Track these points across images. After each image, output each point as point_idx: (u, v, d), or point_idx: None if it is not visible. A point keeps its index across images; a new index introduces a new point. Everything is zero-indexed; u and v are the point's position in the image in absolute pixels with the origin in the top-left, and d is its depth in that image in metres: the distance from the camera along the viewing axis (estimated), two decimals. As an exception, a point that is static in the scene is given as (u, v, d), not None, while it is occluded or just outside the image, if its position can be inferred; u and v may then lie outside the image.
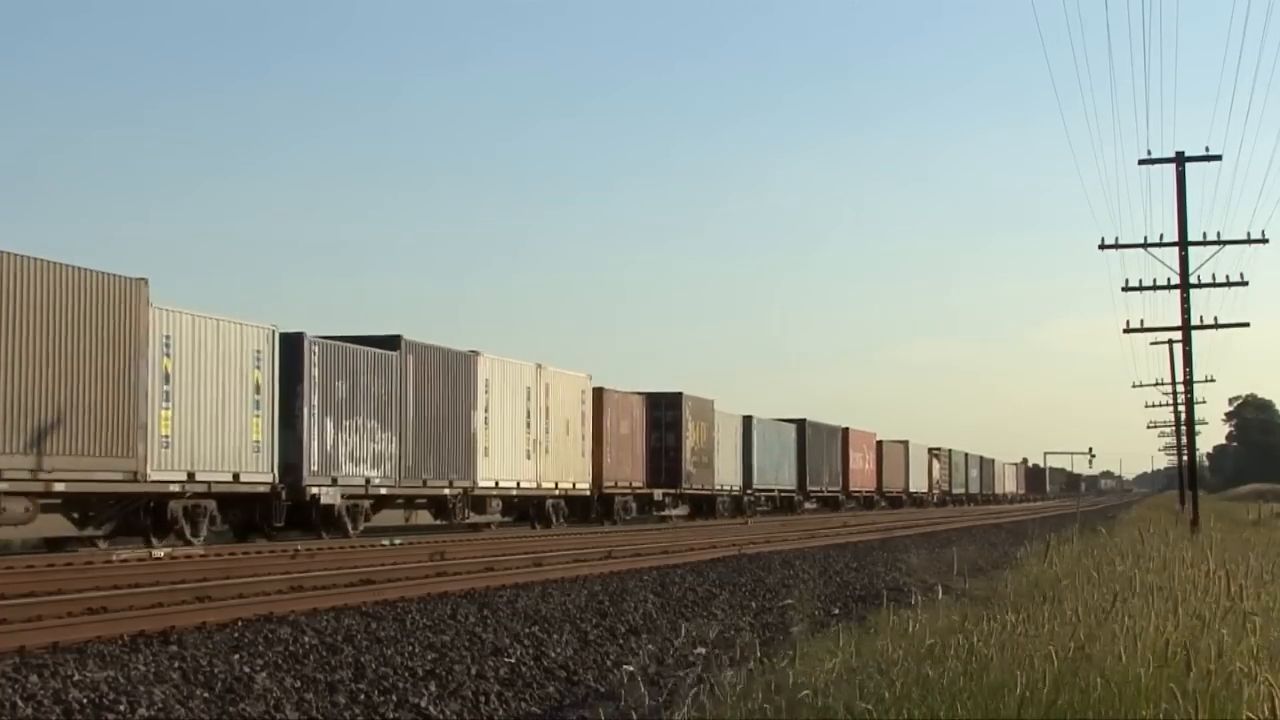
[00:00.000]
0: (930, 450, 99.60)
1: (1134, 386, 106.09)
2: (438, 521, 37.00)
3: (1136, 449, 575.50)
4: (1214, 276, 35.10)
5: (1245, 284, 35.27)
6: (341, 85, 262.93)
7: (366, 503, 33.67)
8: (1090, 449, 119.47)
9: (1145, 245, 34.52)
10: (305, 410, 30.73)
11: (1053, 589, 12.89)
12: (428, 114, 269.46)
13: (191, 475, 27.18)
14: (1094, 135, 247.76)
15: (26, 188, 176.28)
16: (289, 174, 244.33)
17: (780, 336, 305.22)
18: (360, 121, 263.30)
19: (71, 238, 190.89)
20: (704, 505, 55.73)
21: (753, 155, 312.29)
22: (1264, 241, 34.63)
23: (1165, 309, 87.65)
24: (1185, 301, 34.51)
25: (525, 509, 41.89)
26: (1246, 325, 37.93)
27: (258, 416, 29.19)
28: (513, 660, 11.78)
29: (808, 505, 69.16)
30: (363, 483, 32.99)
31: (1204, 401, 74.93)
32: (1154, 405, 74.44)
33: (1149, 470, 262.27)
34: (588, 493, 45.31)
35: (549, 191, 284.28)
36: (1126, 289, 36.45)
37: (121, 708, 9.13)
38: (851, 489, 77.34)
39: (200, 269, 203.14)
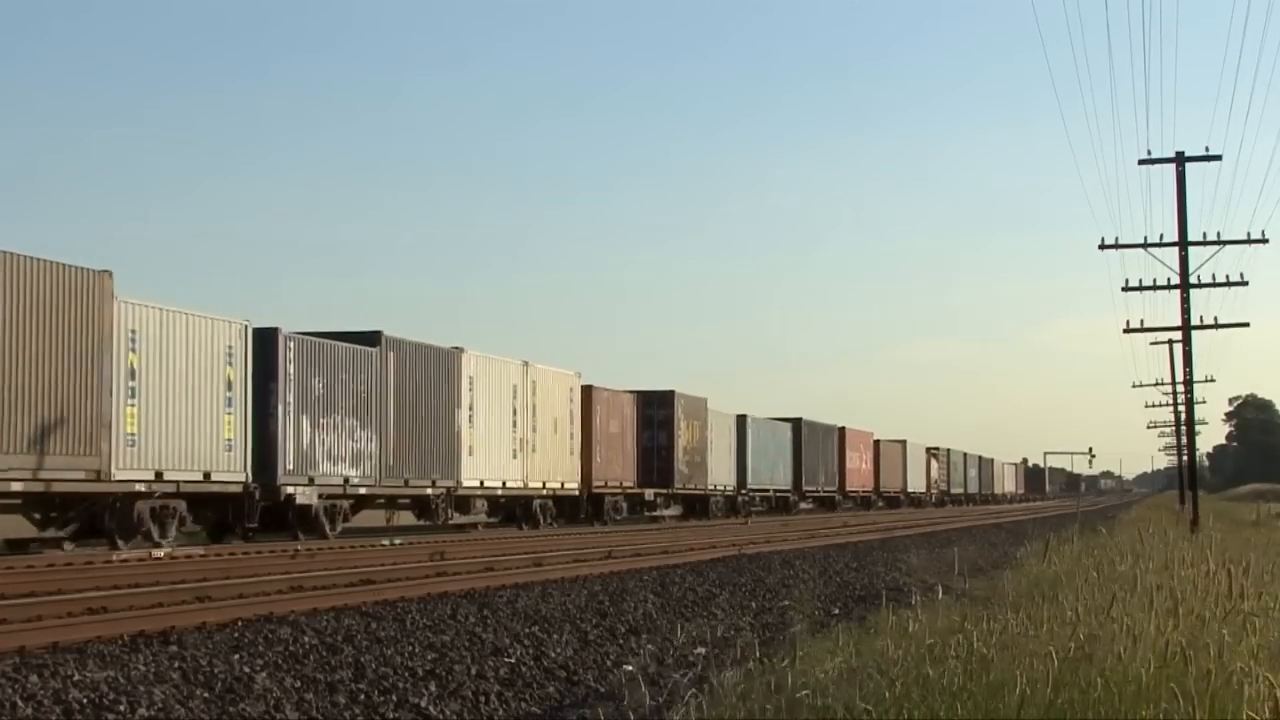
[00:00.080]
0: (928, 450, 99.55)
1: (1134, 386, 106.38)
2: (421, 522, 36.22)
3: (1136, 449, 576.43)
4: (1214, 276, 35.14)
5: (1245, 284, 35.30)
6: (341, 85, 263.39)
7: (345, 503, 32.91)
8: (1090, 449, 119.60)
9: (1145, 245, 34.53)
10: (280, 407, 30.00)
11: (1053, 589, 12.90)
12: (428, 114, 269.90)
13: (159, 474, 26.41)
14: (1094, 135, 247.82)
15: (26, 188, 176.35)
16: (289, 174, 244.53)
17: (780, 336, 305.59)
18: (360, 121, 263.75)
19: (71, 238, 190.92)
20: (697, 505, 55.23)
21: (753, 155, 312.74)
22: (1264, 241, 34.65)
23: (1165, 309, 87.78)
24: (1185, 301, 34.52)
25: (512, 509, 41.11)
26: (1246, 325, 37.97)
27: (230, 414, 28.50)
28: (513, 660, 11.78)
29: (803, 505, 68.85)
30: (341, 482, 32.26)
31: (1204, 401, 75.04)
32: (1154, 405, 74.52)
33: (1149, 470, 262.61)
34: (577, 493, 44.68)
35: (549, 191, 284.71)
36: (1126, 289, 36.48)
37: (121, 708, 9.13)
38: (848, 489, 77.16)
39: (200, 269, 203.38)
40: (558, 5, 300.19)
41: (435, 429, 36.36)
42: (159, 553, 24.73)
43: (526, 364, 41.76)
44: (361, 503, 33.99)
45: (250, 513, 29.05)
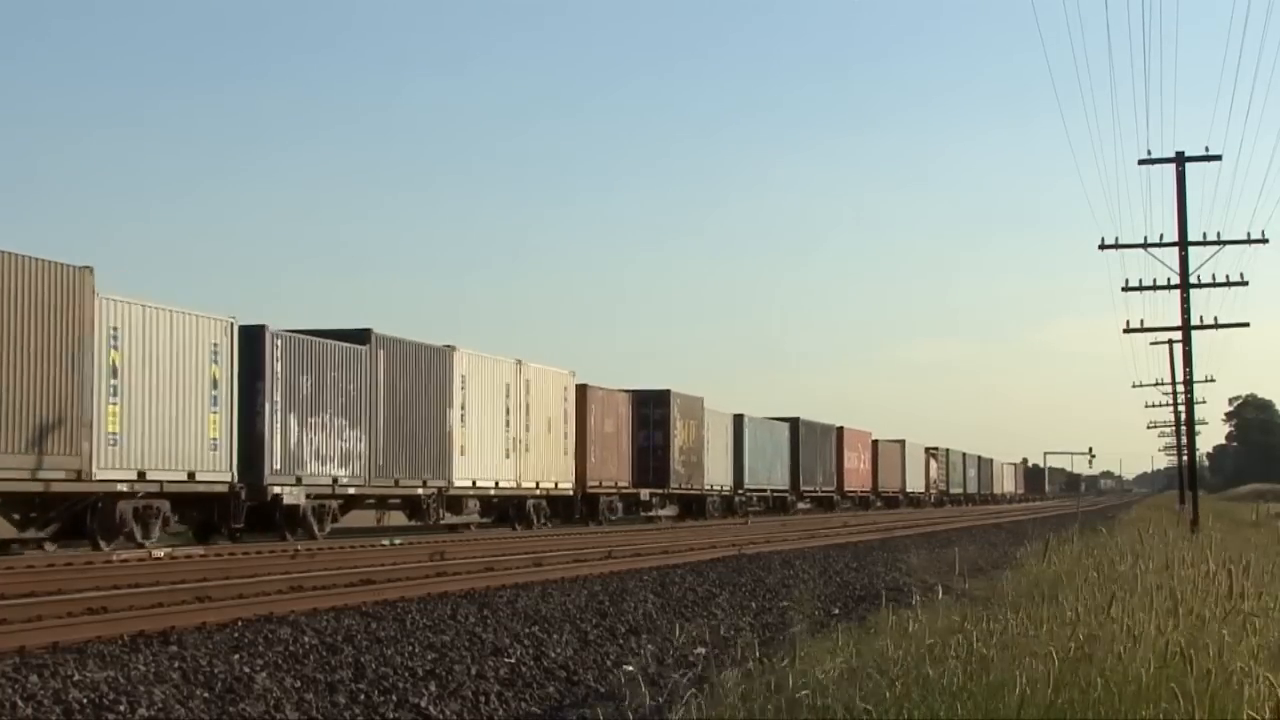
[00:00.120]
0: (927, 450, 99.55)
1: (1134, 386, 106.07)
2: (412, 522, 35.83)
3: (1136, 449, 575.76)
4: (1214, 276, 35.13)
5: (1245, 284, 35.29)
6: (341, 85, 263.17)
7: (334, 503, 32.43)
8: (1090, 449, 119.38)
9: (1145, 245, 34.53)
10: (266, 406, 29.50)
11: (1052, 589, 12.90)
12: (428, 114, 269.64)
13: (142, 474, 25.97)
14: (1094, 135, 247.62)
15: (27, 188, 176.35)
16: (289, 174, 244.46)
17: (780, 336, 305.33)
18: (360, 121, 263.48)
19: (71, 238, 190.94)
20: (693, 505, 54.89)
21: (753, 155, 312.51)
22: (1264, 241, 34.65)
23: (1165, 309, 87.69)
24: (1185, 301, 34.52)
25: (505, 509, 40.78)
26: (1246, 325, 37.95)
27: (215, 413, 28.07)
28: (513, 660, 11.78)
29: (801, 505, 68.74)
30: (329, 482, 31.77)
31: (1204, 401, 74.99)
32: (1154, 405, 74.48)
33: (1149, 470, 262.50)
34: (571, 493, 44.40)
35: (549, 191, 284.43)
36: (1126, 289, 36.47)
37: (121, 708, 9.13)
38: (846, 489, 77.07)
39: (200, 268, 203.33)
40: (558, 5, 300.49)
41: (427, 428, 36.00)
42: (159, 553, 24.69)
43: (520, 363, 41.45)
44: (351, 503, 33.58)
45: (236, 513, 28.64)
